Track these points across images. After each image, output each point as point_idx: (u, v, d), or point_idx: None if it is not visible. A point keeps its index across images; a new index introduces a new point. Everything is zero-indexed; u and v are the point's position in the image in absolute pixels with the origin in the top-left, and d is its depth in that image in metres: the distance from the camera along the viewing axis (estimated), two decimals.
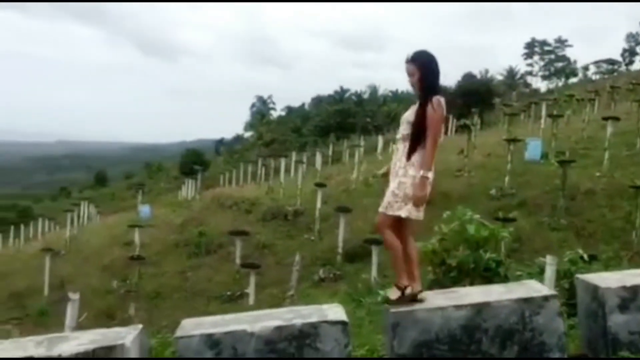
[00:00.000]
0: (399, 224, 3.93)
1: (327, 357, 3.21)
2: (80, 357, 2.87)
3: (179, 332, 3.28)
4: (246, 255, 14.04)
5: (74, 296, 4.77)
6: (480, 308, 3.39)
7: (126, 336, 3.08)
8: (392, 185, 3.95)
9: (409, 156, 3.92)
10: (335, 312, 3.50)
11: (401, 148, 4.01)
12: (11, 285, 16.50)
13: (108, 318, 13.06)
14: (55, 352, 2.90)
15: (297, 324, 3.33)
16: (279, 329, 3.30)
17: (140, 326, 3.30)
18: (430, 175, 3.87)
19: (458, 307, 3.33)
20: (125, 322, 10.26)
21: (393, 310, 3.29)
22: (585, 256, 7.27)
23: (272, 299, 11.60)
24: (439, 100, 3.89)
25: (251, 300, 11.42)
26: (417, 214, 3.91)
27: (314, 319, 3.33)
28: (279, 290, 12.52)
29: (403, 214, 3.87)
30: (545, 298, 3.70)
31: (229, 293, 13.04)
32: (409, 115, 4.02)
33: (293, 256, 14.40)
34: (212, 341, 3.24)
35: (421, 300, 3.73)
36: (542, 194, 13.48)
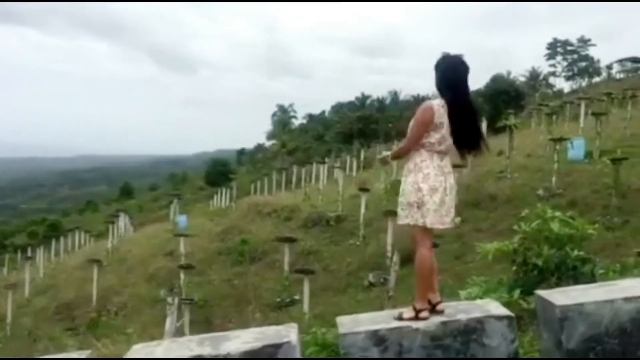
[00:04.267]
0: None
1: (493, 353, 3.19)
2: (249, 355, 2.89)
3: (342, 329, 3.29)
4: (291, 263, 14.04)
5: (174, 301, 4.76)
6: None
7: (289, 334, 3.10)
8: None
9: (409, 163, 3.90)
10: (496, 306, 3.47)
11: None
12: (59, 296, 16.70)
13: (158, 327, 13.18)
14: (222, 351, 2.92)
15: (463, 318, 3.31)
16: (444, 324, 3.28)
17: (295, 325, 3.32)
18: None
19: (628, 299, 3.26)
20: (179, 330, 10.33)
21: (560, 304, 3.26)
22: None
23: (325, 305, 11.59)
24: (425, 105, 3.85)
25: (305, 306, 11.39)
26: (423, 220, 3.75)
27: (477, 314, 3.31)
28: (331, 295, 12.53)
29: (408, 222, 3.80)
30: None
31: (278, 300, 13.04)
32: None
33: (340, 262, 14.43)
34: (377, 337, 3.24)
35: (441, 312, 3.62)
36: (591, 193, 13.31)
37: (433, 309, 3.63)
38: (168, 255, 17.85)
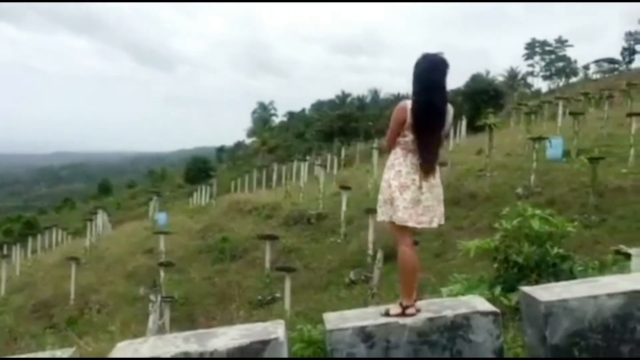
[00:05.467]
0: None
1: (479, 348, 3.23)
2: (237, 352, 2.88)
3: (328, 326, 3.29)
4: (272, 260, 14.02)
5: (157, 299, 4.73)
6: (633, 296, 3.36)
7: (277, 330, 3.09)
8: None
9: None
10: (481, 302, 3.51)
11: None
12: (36, 294, 16.48)
13: (138, 325, 13.07)
14: (209, 347, 2.90)
15: (449, 315, 3.34)
16: (431, 320, 3.32)
17: (282, 321, 3.31)
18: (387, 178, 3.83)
19: (611, 295, 3.32)
20: (160, 328, 10.26)
21: (544, 300, 3.32)
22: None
23: (306, 302, 11.58)
24: (399, 105, 3.85)
25: (287, 303, 11.39)
26: (398, 217, 3.73)
27: (463, 310, 3.36)
28: (312, 293, 12.52)
29: (386, 218, 3.83)
30: None
31: (259, 297, 13.02)
32: None
33: (321, 259, 14.45)
34: (364, 334, 3.26)
35: (415, 312, 3.63)
36: (569, 191, 13.50)
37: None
38: (147, 253, 17.71)
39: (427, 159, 3.77)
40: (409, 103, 3.80)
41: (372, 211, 13.87)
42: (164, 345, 2.99)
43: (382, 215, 3.87)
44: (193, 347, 2.92)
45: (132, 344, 3.08)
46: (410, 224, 3.74)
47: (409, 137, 3.80)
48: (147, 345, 3.04)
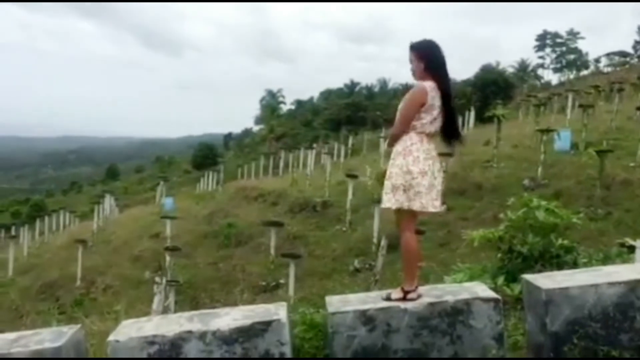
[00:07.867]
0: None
1: (479, 334, 3.25)
2: (239, 331, 2.92)
3: (330, 308, 3.33)
4: (277, 247, 14.08)
5: (162, 280, 4.77)
6: (634, 285, 3.36)
7: (279, 312, 3.13)
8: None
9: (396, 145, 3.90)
10: (483, 289, 3.53)
11: None
12: (43, 276, 16.63)
13: (144, 306, 13.17)
14: (212, 327, 2.95)
15: (450, 300, 3.36)
16: (432, 305, 3.34)
17: (285, 303, 3.35)
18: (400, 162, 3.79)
19: (612, 284, 3.32)
20: (165, 309, 10.33)
21: (546, 287, 3.33)
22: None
23: (310, 289, 11.63)
24: (419, 86, 3.84)
25: (291, 290, 11.44)
26: (410, 204, 3.72)
27: (465, 296, 3.37)
28: (316, 280, 12.57)
29: (393, 205, 3.78)
30: None
31: (263, 283, 13.08)
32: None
33: (326, 247, 14.48)
34: (366, 317, 3.29)
35: (416, 297, 3.66)
36: (576, 184, 13.45)
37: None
38: (154, 237, 17.82)
39: (458, 133, 4.01)
40: (427, 85, 3.81)
41: (378, 200, 13.89)
42: (168, 324, 3.04)
43: (389, 202, 3.81)
44: (196, 326, 2.97)
45: (136, 322, 3.13)
46: (430, 209, 3.76)
47: (425, 119, 3.80)
48: (152, 323, 3.09)
